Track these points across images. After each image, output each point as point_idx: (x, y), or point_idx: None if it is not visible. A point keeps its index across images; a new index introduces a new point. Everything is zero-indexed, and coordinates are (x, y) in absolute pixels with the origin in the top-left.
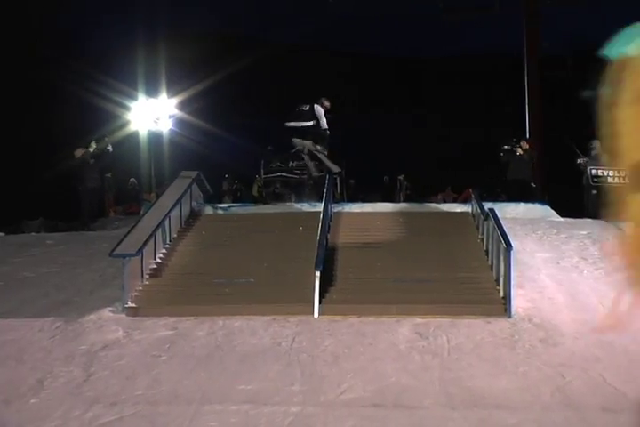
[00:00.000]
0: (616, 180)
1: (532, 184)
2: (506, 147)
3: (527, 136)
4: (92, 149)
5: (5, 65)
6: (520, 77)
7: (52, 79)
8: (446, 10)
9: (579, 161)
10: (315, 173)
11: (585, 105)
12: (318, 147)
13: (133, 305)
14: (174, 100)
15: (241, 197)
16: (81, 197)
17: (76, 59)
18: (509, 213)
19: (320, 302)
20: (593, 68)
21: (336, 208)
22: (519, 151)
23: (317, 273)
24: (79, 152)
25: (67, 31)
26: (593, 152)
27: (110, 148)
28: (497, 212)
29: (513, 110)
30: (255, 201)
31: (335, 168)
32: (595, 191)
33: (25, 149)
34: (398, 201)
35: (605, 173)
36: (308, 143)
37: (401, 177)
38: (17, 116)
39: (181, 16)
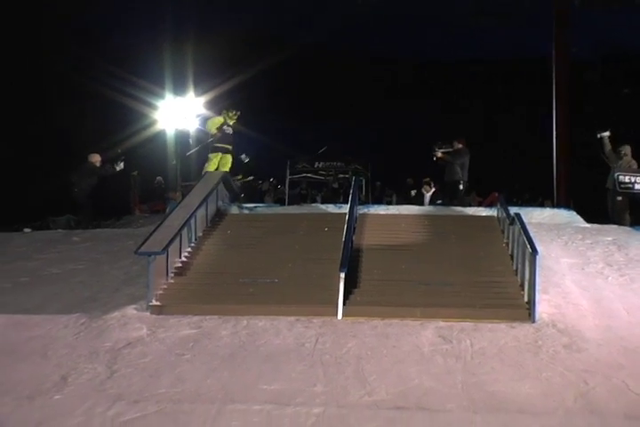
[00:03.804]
0: None
1: (460, 186)
2: (437, 149)
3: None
4: (118, 168)
5: (31, 63)
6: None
7: (79, 78)
8: (475, 13)
9: (599, 135)
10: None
11: (614, 109)
12: None
13: (158, 303)
14: (202, 99)
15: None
16: (77, 200)
17: (102, 57)
18: (535, 218)
19: (344, 304)
20: (622, 72)
21: (361, 210)
22: (438, 155)
23: (342, 275)
24: (96, 159)
25: (93, 30)
26: (622, 157)
27: (122, 166)
28: (522, 216)
29: (536, 114)
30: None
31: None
32: (620, 198)
33: (52, 147)
34: (423, 204)
35: (633, 180)
36: None
37: (425, 180)
38: (43, 114)
39: (209, 15)
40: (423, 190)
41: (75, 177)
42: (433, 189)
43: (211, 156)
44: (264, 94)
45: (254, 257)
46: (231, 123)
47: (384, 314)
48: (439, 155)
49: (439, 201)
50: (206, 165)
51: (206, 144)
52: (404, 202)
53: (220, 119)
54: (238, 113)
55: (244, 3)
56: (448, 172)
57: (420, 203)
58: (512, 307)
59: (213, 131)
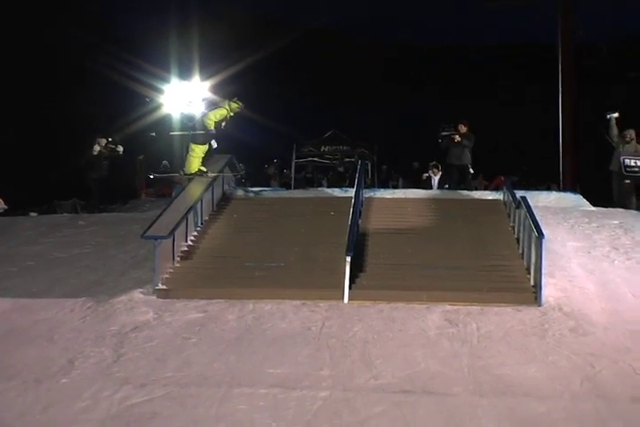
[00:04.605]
0: None
1: (470, 170)
2: (444, 133)
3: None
4: (97, 149)
5: (37, 49)
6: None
7: (84, 62)
8: None
9: (608, 116)
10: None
11: (619, 93)
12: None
13: (164, 287)
14: (207, 84)
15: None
16: (91, 184)
17: (108, 42)
18: (541, 201)
19: (350, 288)
20: (628, 56)
21: (367, 194)
22: (457, 138)
23: (348, 258)
24: (96, 148)
25: (98, 14)
26: (628, 142)
27: (120, 149)
28: (528, 200)
29: (545, 98)
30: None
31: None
32: (627, 181)
33: (57, 132)
34: (431, 187)
35: (639, 164)
36: None
37: (432, 163)
38: (50, 99)
39: None
40: (431, 173)
41: (88, 161)
42: (440, 173)
43: (201, 147)
44: (270, 78)
45: (260, 241)
46: (230, 115)
47: (390, 298)
48: (458, 138)
49: (447, 185)
50: (190, 156)
51: (198, 135)
52: (411, 186)
53: (222, 112)
54: (242, 105)
55: None
56: (456, 155)
57: (429, 186)
58: (518, 290)
59: (212, 125)
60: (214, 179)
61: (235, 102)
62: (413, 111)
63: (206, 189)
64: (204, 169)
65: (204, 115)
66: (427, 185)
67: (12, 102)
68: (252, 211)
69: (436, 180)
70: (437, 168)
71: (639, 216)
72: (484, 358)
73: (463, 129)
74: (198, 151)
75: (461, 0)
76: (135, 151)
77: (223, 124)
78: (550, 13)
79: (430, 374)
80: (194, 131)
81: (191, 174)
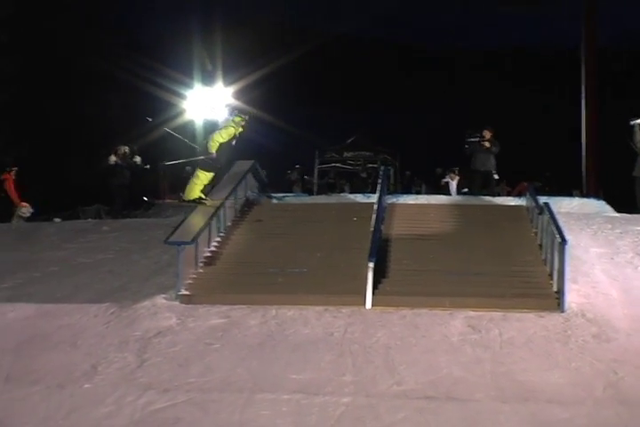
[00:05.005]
0: None
1: (495, 176)
2: (471, 139)
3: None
4: (113, 159)
5: (60, 53)
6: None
7: (107, 68)
8: (503, 2)
9: (632, 122)
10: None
11: None
12: None
13: (187, 293)
14: (230, 89)
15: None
16: (112, 191)
17: (130, 47)
18: (564, 207)
19: (373, 293)
20: None
21: (390, 199)
22: (486, 145)
23: (370, 264)
24: (112, 158)
25: (121, 19)
26: None
27: (138, 159)
28: (551, 206)
29: (566, 104)
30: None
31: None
32: None
33: (81, 138)
34: (449, 192)
35: None
36: None
37: (455, 169)
38: (72, 105)
39: (237, 3)
40: (448, 178)
41: (108, 169)
42: (458, 177)
43: (207, 175)
44: (293, 84)
45: (283, 247)
46: (240, 130)
47: (413, 304)
48: (487, 144)
49: (465, 189)
50: (192, 181)
51: (207, 161)
52: (434, 191)
53: (229, 131)
54: (246, 117)
55: None
56: (482, 161)
57: (448, 191)
58: (541, 296)
59: (215, 147)
60: (237, 184)
61: (237, 116)
62: (437, 116)
63: (229, 195)
64: (203, 197)
65: (209, 137)
66: (445, 190)
67: (34, 108)
68: (275, 217)
69: (454, 185)
70: (455, 173)
71: None
72: (507, 364)
73: (488, 135)
74: (203, 178)
75: (483, 4)
76: (157, 157)
77: (234, 142)
78: (566, 18)
79: (453, 379)
80: (199, 155)
81: (189, 201)
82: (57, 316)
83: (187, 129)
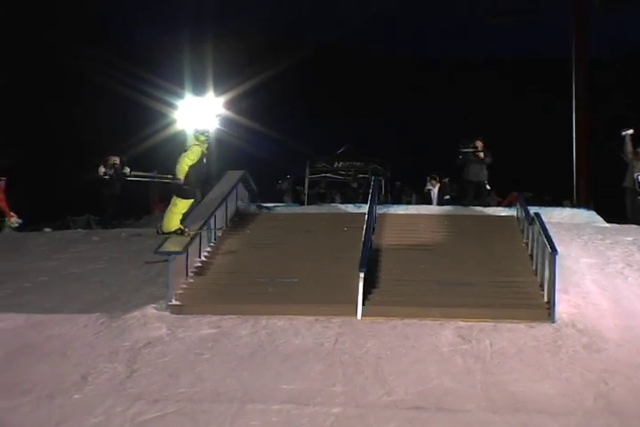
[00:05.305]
0: None
1: (487, 186)
2: (465, 150)
3: (479, 135)
4: (102, 171)
5: (51, 63)
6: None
7: (97, 77)
8: (489, 13)
9: (623, 133)
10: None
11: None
12: None
13: (177, 303)
14: (221, 99)
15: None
16: (103, 201)
17: (121, 56)
18: (554, 217)
19: (363, 304)
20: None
21: (380, 210)
22: (481, 155)
23: (361, 274)
24: (101, 169)
25: (112, 29)
26: None
27: (127, 170)
28: (542, 216)
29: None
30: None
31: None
32: None
33: (71, 148)
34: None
35: None
36: None
37: (446, 180)
38: (62, 115)
39: (228, 14)
40: (429, 186)
41: (99, 180)
42: (438, 185)
43: (185, 203)
44: (283, 94)
45: (273, 257)
46: (205, 146)
47: (403, 314)
48: (482, 155)
49: (447, 196)
50: (170, 211)
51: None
52: (424, 202)
53: (196, 151)
54: (207, 134)
55: (262, 3)
56: (475, 172)
57: (429, 199)
58: (531, 307)
59: (182, 172)
60: (227, 194)
61: (199, 135)
62: (427, 126)
63: (220, 205)
64: (182, 227)
65: (178, 161)
66: (427, 198)
67: (23, 117)
68: (266, 227)
69: (435, 192)
70: (436, 180)
71: None
72: (498, 375)
73: (480, 145)
74: (181, 207)
75: (472, 14)
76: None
77: (204, 160)
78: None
79: (443, 390)
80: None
81: (169, 233)
82: (47, 326)
83: (177, 139)
